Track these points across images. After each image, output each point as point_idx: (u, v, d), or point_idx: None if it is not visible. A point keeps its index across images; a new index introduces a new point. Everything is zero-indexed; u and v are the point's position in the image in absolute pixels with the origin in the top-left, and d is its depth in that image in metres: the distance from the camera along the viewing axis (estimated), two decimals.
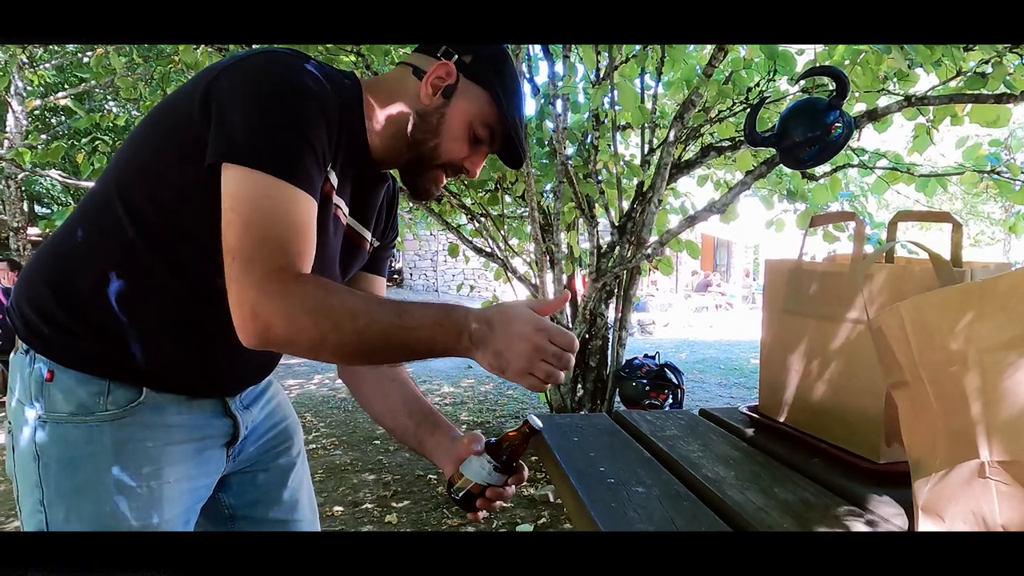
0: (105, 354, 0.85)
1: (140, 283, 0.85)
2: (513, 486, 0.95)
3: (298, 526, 1.11)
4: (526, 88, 3.60)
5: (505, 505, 2.97)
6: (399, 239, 1.26)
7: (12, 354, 0.91)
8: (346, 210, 0.97)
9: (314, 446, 4.05)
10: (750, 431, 1.13)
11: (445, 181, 1.01)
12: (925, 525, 0.71)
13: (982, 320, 0.66)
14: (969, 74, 2.79)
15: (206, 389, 0.94)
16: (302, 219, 0.80)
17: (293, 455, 1.12)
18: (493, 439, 0.95)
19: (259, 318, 0.75)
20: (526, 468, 0.95)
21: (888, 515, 0.77)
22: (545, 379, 0.78)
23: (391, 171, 1.07)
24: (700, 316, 13.45)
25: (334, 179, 0.90)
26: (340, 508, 3.01)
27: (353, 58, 3.42)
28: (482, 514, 0.96)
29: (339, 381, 6.67)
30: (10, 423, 0.88)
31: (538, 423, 0.94)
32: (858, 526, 0.74)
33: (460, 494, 0.93)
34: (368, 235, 1.06)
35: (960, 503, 0.68)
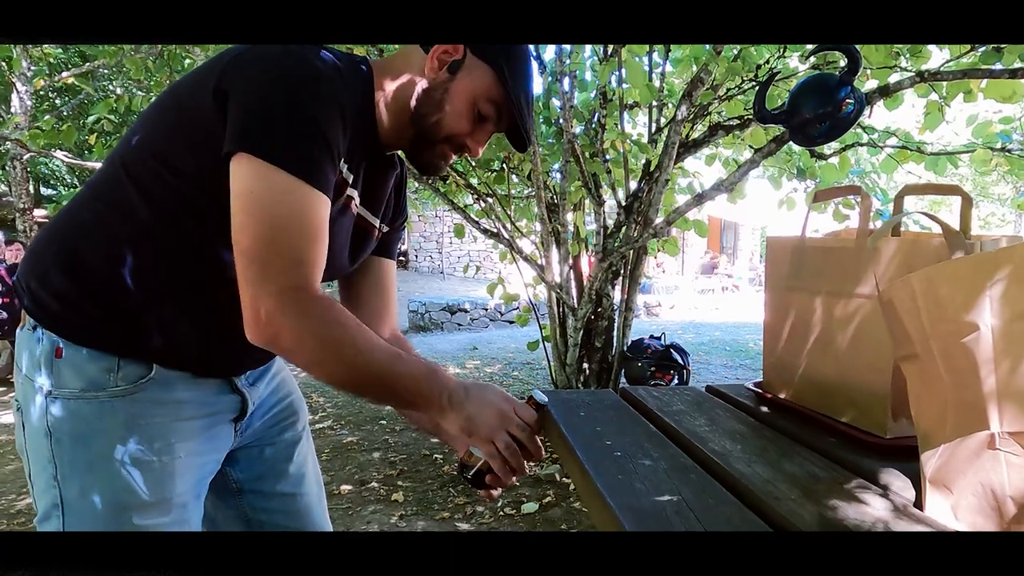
0: (115, 331, 0.85)
1: (152, 262, 0.85)
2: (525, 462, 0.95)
3: (304, 499, 1.12)
4: (533, 66, 3.56)
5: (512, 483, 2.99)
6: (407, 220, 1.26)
7: (19, 330, 0.91)
8: (357, 199, 0.96)
9: (321, 426, 4.08)
10: (757, 407, 1.13)
11: (453, 158, 1.00)
12: (933, 497, 0.71)
13: (995, 291, 0.65)
14: (983, 49, 2.74)
15: (214, 368, 0.94)
16: (317, 224, 0.80)
17: (298, 429, 1.12)
18: None
19: (271, 326, 0.78)
20: (541, 446, 0.94)
21: (897, 488, 0.77)
22: (504, 449, 0.87)
23: (399, 154, 1.06)
24: (706, 298, 13.41)
25: (346, 171, 0.89)
26: (348, 487, 3.03)
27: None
28: (496, 492, 0.96)
29: None
30: (18, 400, 0.88)
31: (543, 398, 0.94)
32: (866, 498, 0.74)
33: (470, 473, 0.93)
34: (377, 222, 1.05)
35: (969, 475, 0.67)
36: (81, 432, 0.84)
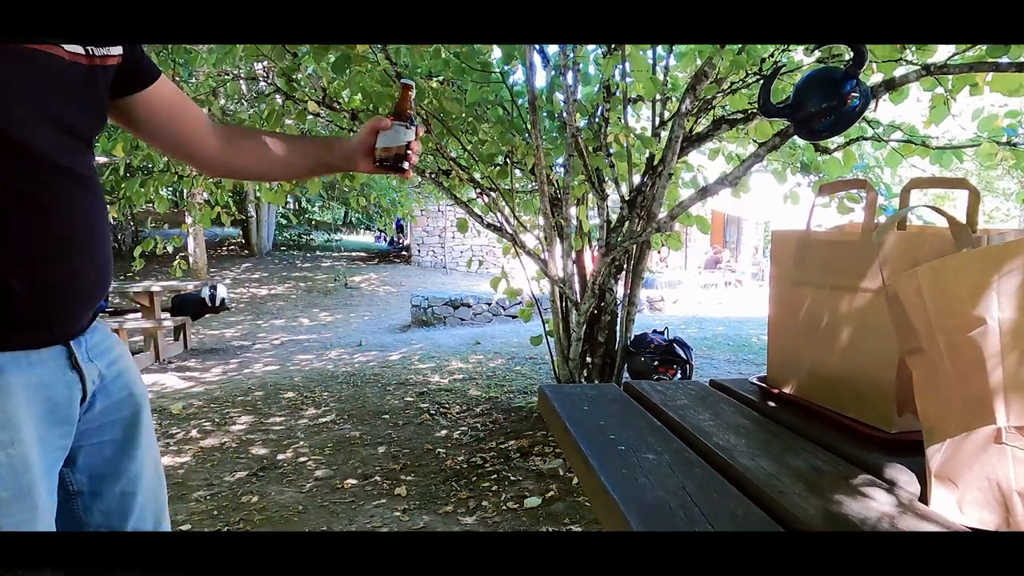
0: None
1: None
2: (422, 133, 1.12)
3: (140, 498, 1.04)
4: (536, 59, 3.55)
5: (513, 477, 3.00)
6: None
7: None
8: None
9: (324, 420, 4.09)
10: (761, 401, 1.12)
11: None
12: (938, 492, 0.71)
13: (1002, 285, 0.65)
14: None
15: (42, 326, 0.85)
16: None
17: (140, 428, 1.05)
18: (389, 114, 1.13)
19: None
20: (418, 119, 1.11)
21: (902, 483, 0.76)
22: None
23: None
24: (709, 293, 13.39)
25: None
26: (352, 481, 3.04)
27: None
28: (410, 170, 1.13)
29: (356, 357, 6.67)
30: None
31: (409, 81, 1.13)
32: (870, 492, 0.74)
33: (392, 161, 1.10)
34: (77, 48, 0.86)
35: (975, 469, 0.67)
36: None
